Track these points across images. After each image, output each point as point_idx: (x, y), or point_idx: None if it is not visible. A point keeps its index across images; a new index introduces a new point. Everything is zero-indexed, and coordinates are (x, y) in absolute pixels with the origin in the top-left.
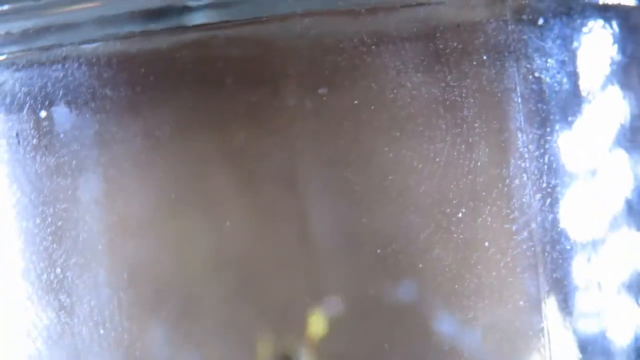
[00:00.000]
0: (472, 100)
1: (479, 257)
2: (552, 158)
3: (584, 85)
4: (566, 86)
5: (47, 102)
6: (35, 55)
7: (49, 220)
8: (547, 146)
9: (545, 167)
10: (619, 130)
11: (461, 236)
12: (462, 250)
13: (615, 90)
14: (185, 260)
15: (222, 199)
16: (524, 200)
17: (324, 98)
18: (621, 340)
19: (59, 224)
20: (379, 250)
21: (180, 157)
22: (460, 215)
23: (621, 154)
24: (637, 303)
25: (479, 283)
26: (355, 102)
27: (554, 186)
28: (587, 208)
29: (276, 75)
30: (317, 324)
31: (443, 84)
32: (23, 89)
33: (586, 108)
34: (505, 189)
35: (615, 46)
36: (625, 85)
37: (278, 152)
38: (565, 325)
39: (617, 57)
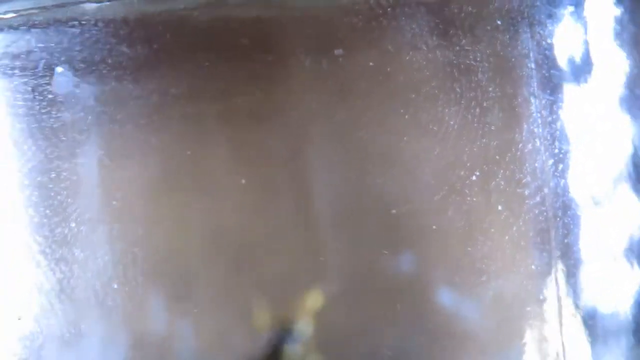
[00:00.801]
0: (486, 65)
1: (491, 220)
2: (564, 124)
3: (595, 52)
4: (578, 53)
5: (63, 58)
6: (52, 12)
7: (64, 174)
8: (559, 112)
9: (558, 132)
10: (630, 97)
11: (474, 199)
12: (475, 213)
13: (626, 59)
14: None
15: (238, 149)
16: (536, 165)
17: (340, 59)
18: (629, 305)
19: (74, 178)
20: (393, 211)
21: (194, 115)
22: (473, 178)
23: (631, 121)
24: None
25: (491, 246)
26: (371, 64)
27: (566, 152)
28: (598, 173)
29: (292, 36)
30: (320, 295)
31: (458, 48)
32: (39, 44)
33: (597, 75)
34: (518, 153)
35: (627, 15)
36: (635, 54)
37: (292, 112)
38: (575, 289)
39: (628, 26)
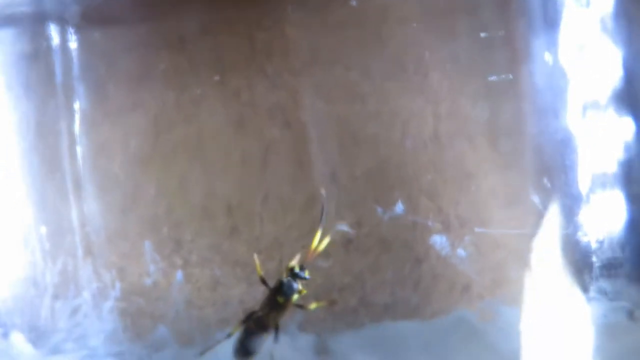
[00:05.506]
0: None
1: (493, 156)
2: (562, 59)
3: (596, 24)
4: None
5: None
6: None
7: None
8: (558, 48)
9: (557, 68)
10: (619, 26)
11: (476, 137)
12: (478, 151)
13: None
14: None
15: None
16: (536, 101)
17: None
18: (626, 236)
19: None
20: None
21: (183, 66)
22: (475, 115)
23: (623, 46)
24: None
25: (493, 182)
26: None
27: (564, 88)
28: (593, 101)
29: None
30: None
31: None
32: None
33: (593, 6)
34: (520, 89)
35: None
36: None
37: (286, 61)
38: (573, 222)
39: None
